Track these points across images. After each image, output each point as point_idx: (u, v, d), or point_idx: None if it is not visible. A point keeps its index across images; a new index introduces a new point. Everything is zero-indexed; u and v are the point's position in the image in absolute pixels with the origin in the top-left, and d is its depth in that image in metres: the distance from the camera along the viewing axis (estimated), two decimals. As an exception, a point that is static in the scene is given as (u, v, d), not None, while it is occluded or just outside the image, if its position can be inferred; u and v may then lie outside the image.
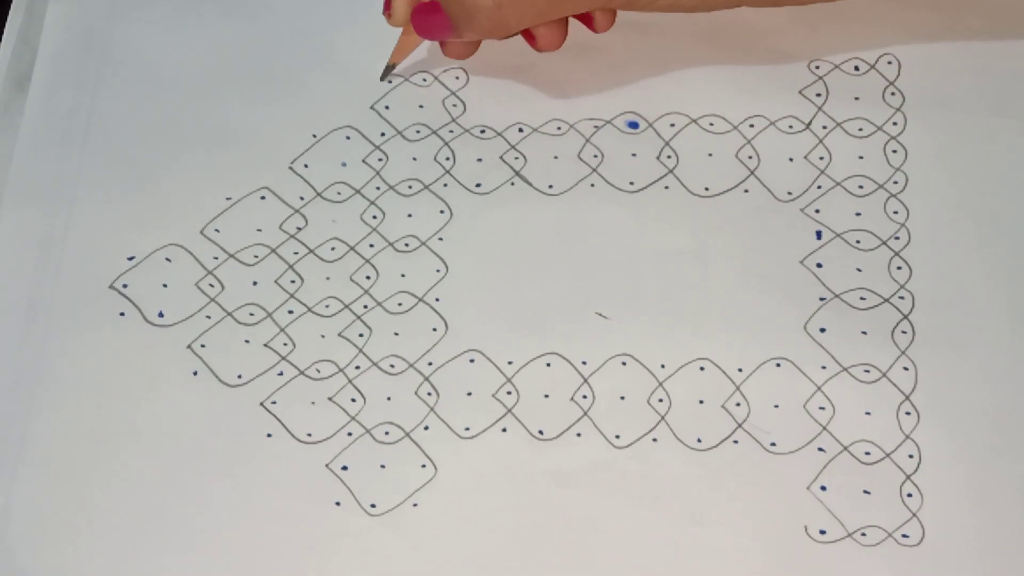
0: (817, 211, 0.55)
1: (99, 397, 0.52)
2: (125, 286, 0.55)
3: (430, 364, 0.52)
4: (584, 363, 0.52)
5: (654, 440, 0.51)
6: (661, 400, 0.52)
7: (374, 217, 0.56)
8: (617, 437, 0.51)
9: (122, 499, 0.50)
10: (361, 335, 0.53)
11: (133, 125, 0.58)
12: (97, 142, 0.57)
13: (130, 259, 0.55)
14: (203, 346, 0.53)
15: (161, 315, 0.54)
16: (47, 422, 0.52)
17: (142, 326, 0.54)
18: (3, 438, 0.51)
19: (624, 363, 0.52)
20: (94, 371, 0.53)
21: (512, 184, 0.56)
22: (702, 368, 0.52)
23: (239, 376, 0.53)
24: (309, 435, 0.51)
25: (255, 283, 0.55)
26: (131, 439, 0.51)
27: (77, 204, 0.56)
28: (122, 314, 0.54)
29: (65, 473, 0.51)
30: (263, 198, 0.56)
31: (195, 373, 0.53)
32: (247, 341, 0.53)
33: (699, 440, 0.51)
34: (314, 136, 0.58)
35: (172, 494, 0.50)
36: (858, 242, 0.54)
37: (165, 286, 0.55)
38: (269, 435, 0.51)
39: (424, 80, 0.58)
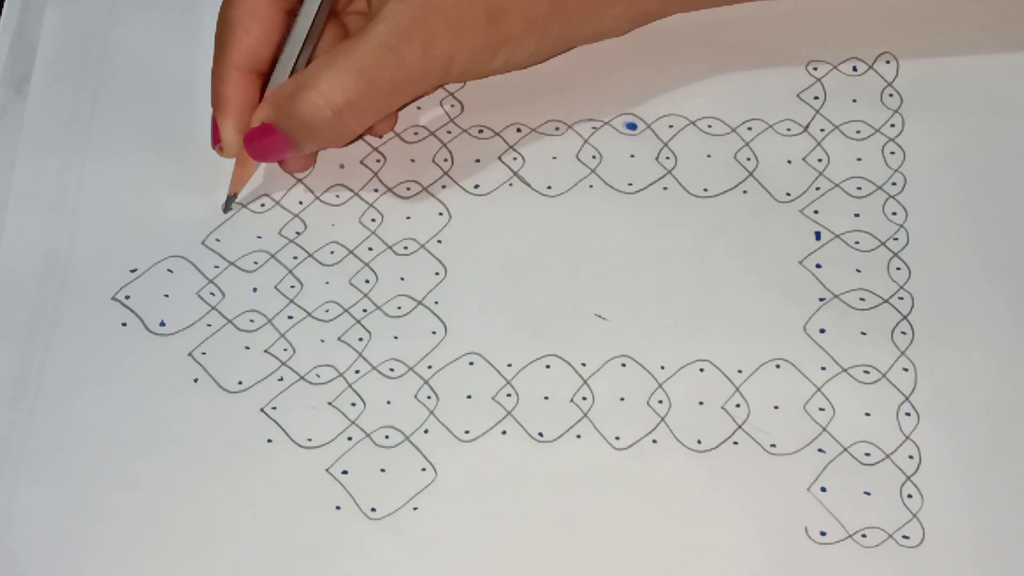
0: (816, 212, 0.55)
1: (101, 405, 0.52)
2: (128, 297, 0.55)
3: (430, 367, 0.52)
4: (584, 364, 0.52)
5: (654, 441, 0.51)
6: (661, 401, 0.52)
7: (372, 220, 0.56)
8: (617, 439, 0.51)
9: (124, 505, 0.50)
10: (361, 339, 0.53)
11: (133, 131, 0.58)
12: (98, 149, 0.57)
13: (132, 271, 0.55)
14: (204, 353, 0.53)
15: (163, 324, 0.54)
16: (50, 429, 0.52)
17: (144, 335, 0.54)
18: (5, 445, 0.51)
19: (624, 364, 0.52)
20: (96, 380, 0.53)
21: (511, 185, 0.56)
22: (702, 369, 0.52)
23: (240, 383, 0.53)
24: (309, 440, 0.51)
25: (255, 289, 0.55)
26: (133, 447, 0.51)
27: (80, 216, 0.56)
28: (124, 324, 0.54)
29: (67, 479, 0.51)
30: (263, 205, 0.56)
31: (196, 380, 0.53)
32: (247, 347, 0.53)
33: (699, 441, 0.51)
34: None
35: (173, 500, 0.50)
36: (857, 243, 0.54)
37: (167, 296, 0.55)
38: (270, 441, 0.51)
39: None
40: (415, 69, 0.53)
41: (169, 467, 0.51)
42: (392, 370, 0.52)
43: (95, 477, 0.51)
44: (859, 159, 0.56)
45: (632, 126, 0.57)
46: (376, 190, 0.56)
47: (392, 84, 0.53)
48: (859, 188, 0.55)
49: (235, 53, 0.54)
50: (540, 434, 0.51)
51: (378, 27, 0.52)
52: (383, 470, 0.51)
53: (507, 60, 0.55)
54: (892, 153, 0.56)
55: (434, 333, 0.53)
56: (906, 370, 0.52)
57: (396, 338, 0.53)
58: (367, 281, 0.54)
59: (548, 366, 0.52)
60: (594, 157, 0.56)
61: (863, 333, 0.52)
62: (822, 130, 0.56)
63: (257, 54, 0.54)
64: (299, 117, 0.53)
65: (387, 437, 0.51)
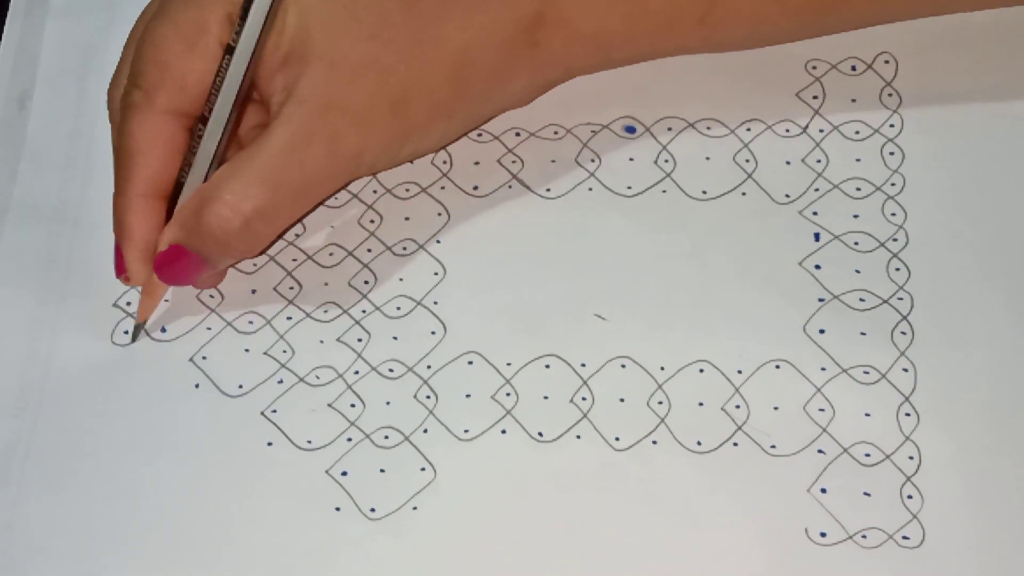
0: (815, 213, 0.55)
1: (103, 413, 0.52)
2: (129, 304, 0.55)
3: (429, 367, 0.52)
4: (583, 365, 0.52)
5: (654, 443, 0.51)
6: (661, 402, 0.52)
7: (371, 221, 0.56)
8: (617, 439, 0.51)
9: (125, 512, 0.50)
10: (360, 340, 0.53)
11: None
12: (100, 161, 0.57)
13: None
14: (204, 358, 0.53)
15: (163, 330, 0.54)
16: (51, 436, 0.52)
17: (145, 341, 0.54)
18: (10, 455, 0.52)
19: (623, 365, 0.52)
20: (98, 386, 0.53)
21: (510, 187, 0.56)
22: (701, 370, 0.52)
23: (240, 386, 0.53)
24: (309, 442, 0.51)
25: (254, 291, 0.55)
26: (136, 453, 0.51)
27: (81, 225, 0.56)
28: (126, 332, 0.54)
29: (68, 486, 0.51)
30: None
31: (197, 386, 0.53)
32: (247, 350, 0.53)
33: (699, 443, 0.51)
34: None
35: (174, 506, 0.50)
36: (856, 244, 0.54)
37: (167, 301, 0.55)
38: (270, 443, 0.51)
39: None
40: (321, 171, 0.51)
41: (171, 472, 0.51)
42: (391, 371, 0.52)
43: (98, 484, 0.51)
44: (858, 160, 0.56)
45: (631, 129, 0.57)
46: (375, 191, 0.56)
47: (299, 189, 0.51)
48: (858, 189, 0.55)
49: (138, 181, 0.51)
50: (540, 434, 0.51)
51: (278, 131, 0.50)
52: (382, 470, 0.51)
53: (416, 148, 0.54)
54: (891, 154, 0.56)
55: (433, 333, 0.53)
56: (906, 370, 0.51)
57: (395, 339, 0.53)
58: (366, 282, 0.54)
59: (547, 366, 0.52)
60: (593, 160, 0.56)
61: (863, 334, 0.52)
62: (821, 131, 0.56)
63: (161, 180, 0.52)
64: (208, 232, 0.50)
65: (386, 437, 0.51)
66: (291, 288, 0.55)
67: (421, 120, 0.53)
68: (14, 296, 0.55)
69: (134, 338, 0.54)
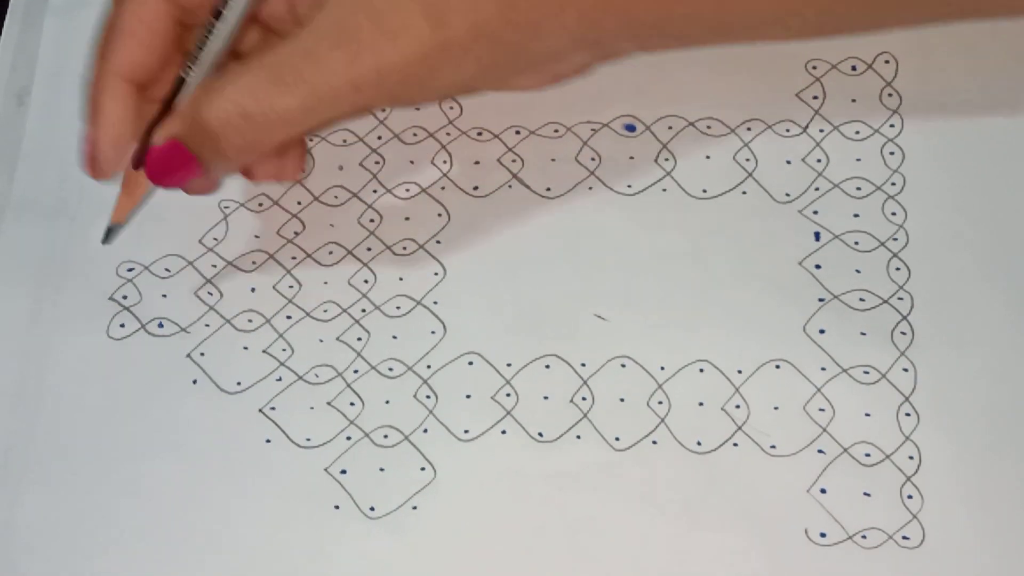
0: (815, 212, 0.55)
1: (100, 409, 0.52)
2: (125, 297, 0.55)
3: (429, 367, 0.52)
4: (583, 365, 0.52)
5: (654, 443, 0.51)
6: (661, 402, 0.52)
7: (371, 221, 0.56)
8: (617, 439, 0.51)
9: (124, 509, 0.50)
10: (359, 339, 0.53)
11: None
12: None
13: (130, 270, 0.55)
14: (202, 354, 0.53)
15: (161, 325, 0.54)
16: (49, 434, 0.52)
17: (142, 337, 0.54)
18: (6, 451, 0.52)
19: (623, 365, 0.52)
20: (95, 383, 0.53)
21: (510, 187, 0.56)
22: (701, 370, 0.52)
23: (238, 383, 0.53)
24: (308, 440, 0.51)
25: (253, 289, 0.55)
26: (133, 449, 0.51)
27: (78, 219, 0.56)
28: (122, 326, 0.54)
29: (67, 484, 0.51)
30: (260, 204, 0.56)
31: (195, 382, 0.53)
32: (246, 348, 0.53)
33: (699, 443, 0.51)
34: (311, 140, 0.58)
35: (173, 503, 0.50)
36: (857, 243, 0.54)
37: (165, 296, 0.55)
38: (268, 441, 0.51)
39: None
40: (339, 77, 0.45)
41: (169, 469, 0.51)
42: (391, 370, 0.52)
43: (96, 482, 0.51)
44: (858, 159, 0.56)
45: (631, 128, 0.57)
46: (375, 191, 0.56)
47: (312, 93, 0.46)
48: (858, 188, 0.55)
49: (117, 58, 0.48)
50: (540, 434, 0.51)
51: (302, 32, 0.45)
52: (382, 469, 0.51)
53: (451, 77, 0.46)
54: (891, 153, 0.56)
55: (433, 333, 0.53)
56: (906, 370, 0.51)
57: (395, 338, 0.53)
58: (366, 281, 0.54)
59: (548, 366, 0.52)
60: (593, 159, 0.56)
61: (863, 333, 0.52)
62: (821, 131, 0.56)
63: (141, 62, 0.48)
64: (208, 127, 0.46)
65: (386, 436, 0.51)
66: (291, 287, 0.54)
67: (459, 37, 0.45)
68: (11, 291, 0.55)
69: (105, 240, 0.50)
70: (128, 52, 0.48)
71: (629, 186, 0.56)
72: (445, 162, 0.57)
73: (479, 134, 0.57)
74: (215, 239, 0.56)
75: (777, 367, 0.52)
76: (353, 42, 0.45)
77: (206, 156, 0.47)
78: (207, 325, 0.54)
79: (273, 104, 0.45)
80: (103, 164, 0.48)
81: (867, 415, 0.51)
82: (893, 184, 0.55)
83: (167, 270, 0.55)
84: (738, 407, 0.51)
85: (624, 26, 0.46)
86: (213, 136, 0.46)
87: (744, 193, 0.55)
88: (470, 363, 0.52)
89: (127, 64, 0.48)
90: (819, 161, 0.56)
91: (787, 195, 0.55)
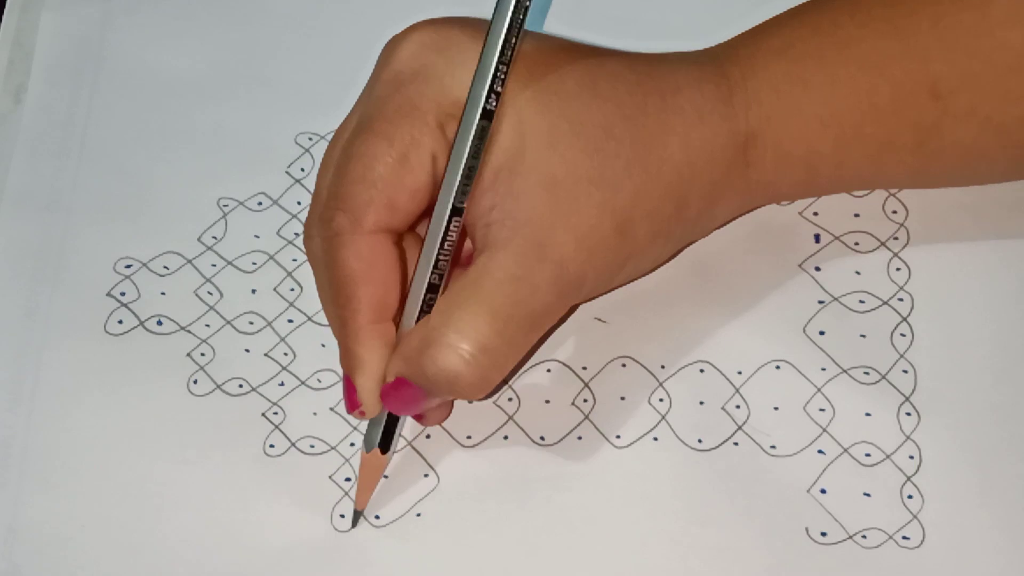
0: (815, 214, 0.55)
1: (99, 408, 0.52)
2: (123, 294, 0.54)
3: (431, 374, 0.52)
4: (584, 368, 0.52)
5: (655, 439, 0.51)
6: (662, 400, 0.52)
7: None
8: (618, 437, 0.51)
9: (125, 512, 0.50)
10: (362, 344, 0.53)
11: (129, 133, 0.58)
12: (94, 151, 0.57)
13: (128, 267, 0.55)
14: (203, 355, 0.53)
15: (159, 323, 0.54)
16: (47, 435, 0.52)
17: (140, 334, 0.54)
18: (6, 451, 0.51)
19: (624, 364, 0.52)
20: (93, 382, 0.53)
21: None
22: (702, 370, 0.52)
23: (240, 386, 0.53)
24: (312, 447, 0.51)
25: (254, 291, 0.55)
26: (132, 450, 0.51)
27: (74, 213, 0.56)
28: (120, 322, 0.54)
29: (67, 487, 0.51)
30: (260, 203, 0.56)
31: (195, 382, 0.53)
32: (247, 350, 0.53)
33: (700, 440, 0.51)
34: (310, 139, 0.57)
35: (174, 506, 0.50)
36: (857, 244, 0.54)
37: (163, 294, 0.54)
38: (271, 446, 0.51)
39: None
40: (550, 297, 0.47)
41: (169, 473, 0.51)
42: (394, 376, 0.52)
43: (93, 483, 0.51)
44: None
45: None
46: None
47: (529, 320, 0.47)
48: (859, 189, 0.55)
49: (365, 310, 0.47)
50: (542, 438, 0.51)
51: (498, 256, 0.46)
52: (386, 476, 0.51)
53: (631, 272, 0.51)
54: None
55: (435, 339, 0.53)
56: (906, 372, 0.51)
57: (397, 344, 0.53)
58: (368, 285, 0.54)
59: (549, 370, 0.52)
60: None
61: (863, 336, 0.52)
62: (821, 132, 0.56)
63: (386, 303, 0.48)
64: (432, 375, 0.46)
65: (390, 442, 0.51)
66: (292, 289, 0.54)
67: (642, 241, 0.49)
68: (6, 286, 0.55)
69: (354, 524, 0.50)
70: (369, 299, 0.47)
71: (629, 185, 0.56)
72: (445, 162, 0.56)
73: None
74: (214, 237, 0.56)
75: (777, 367, 0.52)
76: (557, 262, 0.47)
77: (434, 394, 0.48)
78: (207, 325, 0.54)
79: (495, 342, 0.46)
80: (369, 408, 0.48)
81: (867, 415, 0.51)
82: (893, 184, 0.55)
83: (166, 267, 0.55)
84: (738, 407, 0.51)
85: (772, 196, 0.54)
86: (444, 383, 0.47)
87: (744, 194, 0.55)
88: (472, 369, 0.52)
89: (373, 310, 0.48)
90: (819, 161, 0.56)
91: (788, 196, 0.55)
